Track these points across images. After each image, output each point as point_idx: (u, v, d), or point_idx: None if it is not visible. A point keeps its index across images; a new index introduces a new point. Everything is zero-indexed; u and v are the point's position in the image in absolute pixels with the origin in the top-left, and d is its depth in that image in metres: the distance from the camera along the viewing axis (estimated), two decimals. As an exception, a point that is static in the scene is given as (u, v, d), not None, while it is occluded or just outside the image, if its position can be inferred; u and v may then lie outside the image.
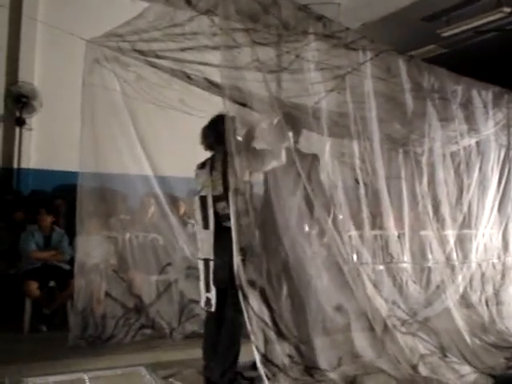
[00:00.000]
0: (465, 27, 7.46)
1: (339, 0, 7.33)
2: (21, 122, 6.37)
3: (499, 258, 5.30)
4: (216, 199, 3.52)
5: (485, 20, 7.20)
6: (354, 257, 3.95)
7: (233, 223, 3.20)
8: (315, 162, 3.86)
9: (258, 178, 3.67)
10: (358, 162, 3.99)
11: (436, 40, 8.26)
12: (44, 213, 5.39)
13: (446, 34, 7.84)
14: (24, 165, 6.48)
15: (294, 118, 3.83)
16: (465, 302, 4.73)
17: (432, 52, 8.59)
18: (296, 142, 3.84)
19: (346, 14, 7.25)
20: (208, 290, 3.57)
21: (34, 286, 4.94)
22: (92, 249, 4.72)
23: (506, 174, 5.34)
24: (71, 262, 4.96)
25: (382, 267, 4.30)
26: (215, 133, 3.52)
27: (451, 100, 4.61)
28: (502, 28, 7.65)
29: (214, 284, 3.52)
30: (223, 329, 3.48)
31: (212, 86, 4.10)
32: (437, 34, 7.90)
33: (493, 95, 5.02)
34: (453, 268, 4.72)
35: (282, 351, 3.32)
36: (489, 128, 5.11)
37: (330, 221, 3.71)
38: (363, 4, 7.43)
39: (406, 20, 7.73)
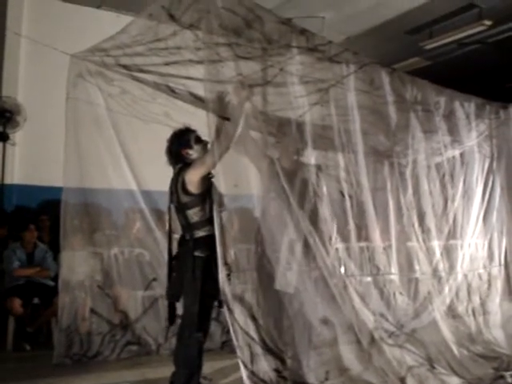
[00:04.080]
0: (447, 40, 7.57)
1: (323, 14, 7.41)
2: (4, 137, 6.29)
3: (485, 267, 5.32)
4: (177, 210, 3.53)
5: (466, 33, 7.32)
6: (342, 269, 3.95)
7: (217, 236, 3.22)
8: (319, 173, 3.88)
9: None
10: (342, 174, 4.00)
11: (419, 53, 8.37)
12: (33, 229, 5.33)
13: (429, 47, 7.95)
14: (7, 180, 6.39)
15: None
16: (452, 312, 4.74)
17: (416, 64, 8.70)
18: (299, 154, 3.87)
19: (331, 27, 7.33)
20: None
21: (17, 304, 4.85)
22: (77, 265, 4.66)
23: (490, 184, 5.37)
24: (55, 278, 4.89)
25: (369, 279, 4.29)
26: (168, 153, 3.63)
27: (434, 112, 4.65)
28: (483, 40, 7.78)
29: (166, 298, 3.57)
30: (178, 344, 3.45)
31: (196, 100, 4.09)
32: (420, 47, 8.01)
33: (475, 106, 5.06)
34: (439, 279, 4.73)
35: (268, 366, 3.30)
36: (472, 139, 5.16)
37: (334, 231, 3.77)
38: (347, 18, 7.50)
39: (390, 33, 7.82)
